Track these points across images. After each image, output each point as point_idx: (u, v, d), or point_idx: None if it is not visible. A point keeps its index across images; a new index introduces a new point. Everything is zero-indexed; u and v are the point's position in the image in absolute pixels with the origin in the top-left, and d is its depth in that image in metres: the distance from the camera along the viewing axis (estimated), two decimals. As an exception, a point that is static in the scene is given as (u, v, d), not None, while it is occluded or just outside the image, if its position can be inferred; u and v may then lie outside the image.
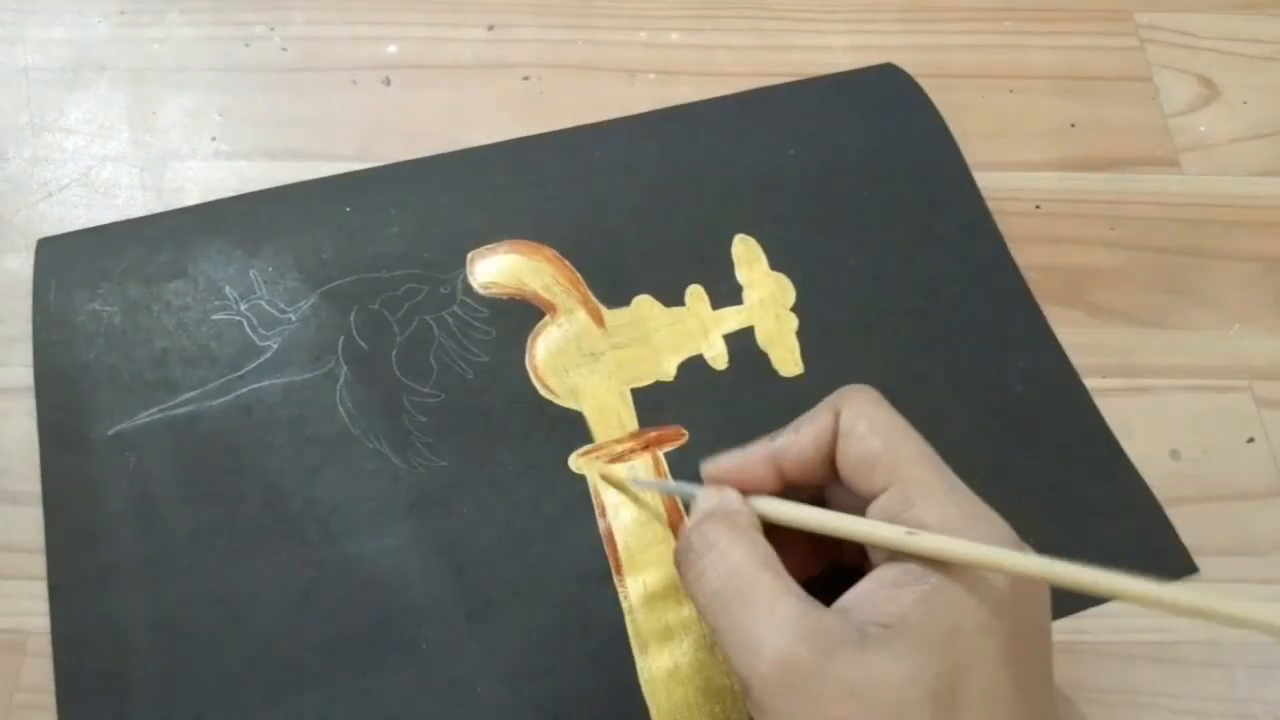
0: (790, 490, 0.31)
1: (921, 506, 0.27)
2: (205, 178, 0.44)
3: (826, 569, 0.32)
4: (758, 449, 0.31)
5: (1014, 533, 0.27)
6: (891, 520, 0.27)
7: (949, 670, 0.25)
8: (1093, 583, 0.24)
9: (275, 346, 0.39)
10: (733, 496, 0.30)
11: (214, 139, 0.45)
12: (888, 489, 0.28)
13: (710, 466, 0.31)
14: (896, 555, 0.27)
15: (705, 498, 0.31)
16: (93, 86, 0.47)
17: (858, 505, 0.29)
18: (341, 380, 0.38)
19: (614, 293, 0.41)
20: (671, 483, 0.36)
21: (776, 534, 0.29)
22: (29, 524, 0.36)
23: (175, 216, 0.42)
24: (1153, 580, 0.24)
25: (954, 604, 0.26)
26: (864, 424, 0.29)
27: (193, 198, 0.43)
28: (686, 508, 0.35)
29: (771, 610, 0.26)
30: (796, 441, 0.30)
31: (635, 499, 0.37)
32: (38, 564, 0.35)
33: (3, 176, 0.44)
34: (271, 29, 0.48)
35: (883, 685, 0.25)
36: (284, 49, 0.48)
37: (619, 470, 0.37)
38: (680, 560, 0.30)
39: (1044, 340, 0.41)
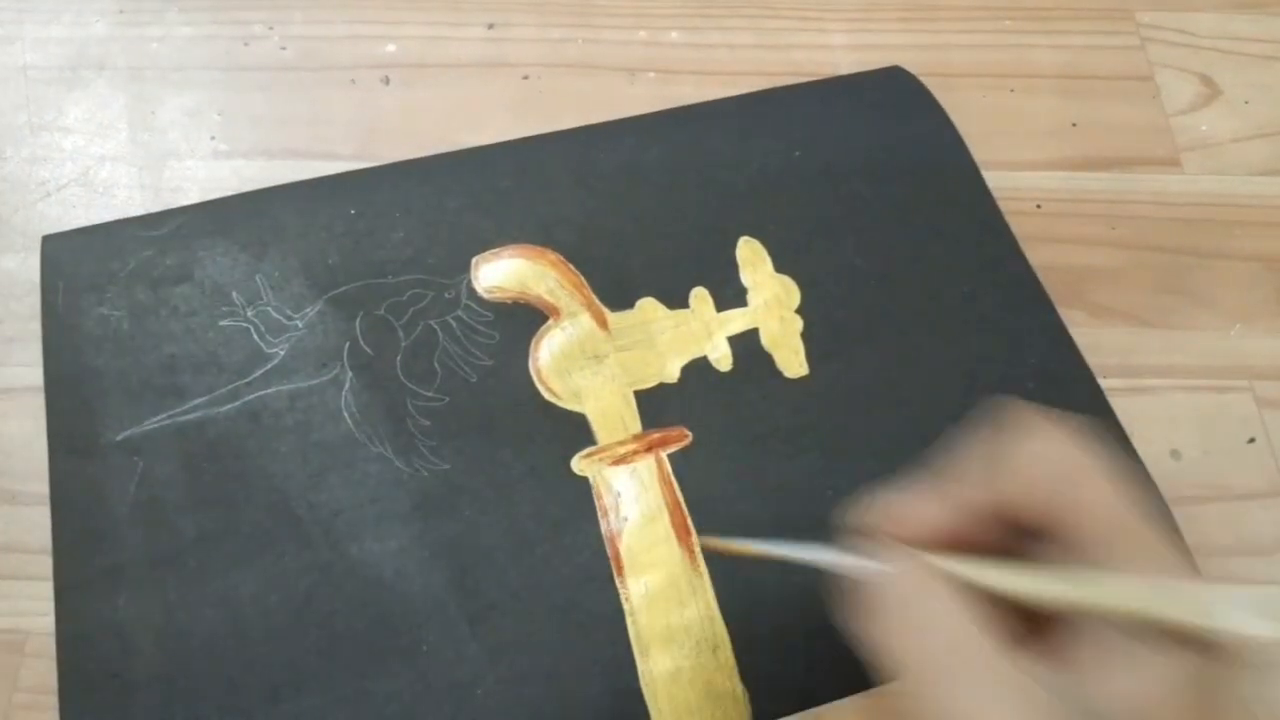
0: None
1: (1113, 545, 0.23)
2: (204, 177, 0.44)
3: None
4: (943, 488, 0.26)
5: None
6: (1069, 556, 0.23)
7: None
8: None
9: (282, 353, 0.39)
10: (926, 558, 0.25)
11: (213, 138, 0.45)
12: (1068, 524, 0.24)
13: (887, 509, 0.26)
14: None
15: (897, 561, 0.25)
16: (91, 86, 0.46)
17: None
18: (347, 385, 0.38)
19: (618, 295, 0.41)
20: (800, 546, 0.28)
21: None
22: (29, 524, 0.36)
23: (180, 214, 0.42)
24: None
25: (1215, 672, 0.22)
26: (1039, 448, 0.24)
27: (192, 197, 0.43)
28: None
29: (1000, 686, 0.22)
30: (969, 469, 0.25)
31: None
32: (38, 564, 0.35)
33: (1, 176, 0.44)
34: (271, 28, 0.48)
35: None
36: (283, 48, 0.48)
37: (727, 544, 0.34)
38: (874, 604, 0.24)
39: (1057, 337, 0.41)
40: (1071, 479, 0.24)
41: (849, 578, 0.26)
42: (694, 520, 0.37)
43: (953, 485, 0.25)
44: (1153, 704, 0.21)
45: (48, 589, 0.35)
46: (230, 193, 0.43)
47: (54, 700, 0.33)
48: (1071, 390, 0.40)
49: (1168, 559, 0.23)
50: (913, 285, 0.42)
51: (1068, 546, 0.23)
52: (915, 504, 0.26)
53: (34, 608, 0.35)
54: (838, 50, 0.49)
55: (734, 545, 0.32)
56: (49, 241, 0.41)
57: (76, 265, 0.40)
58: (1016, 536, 0.25)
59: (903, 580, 0.24)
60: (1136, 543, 0.23)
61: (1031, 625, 0.24)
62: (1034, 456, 0.24)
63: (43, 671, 0.34)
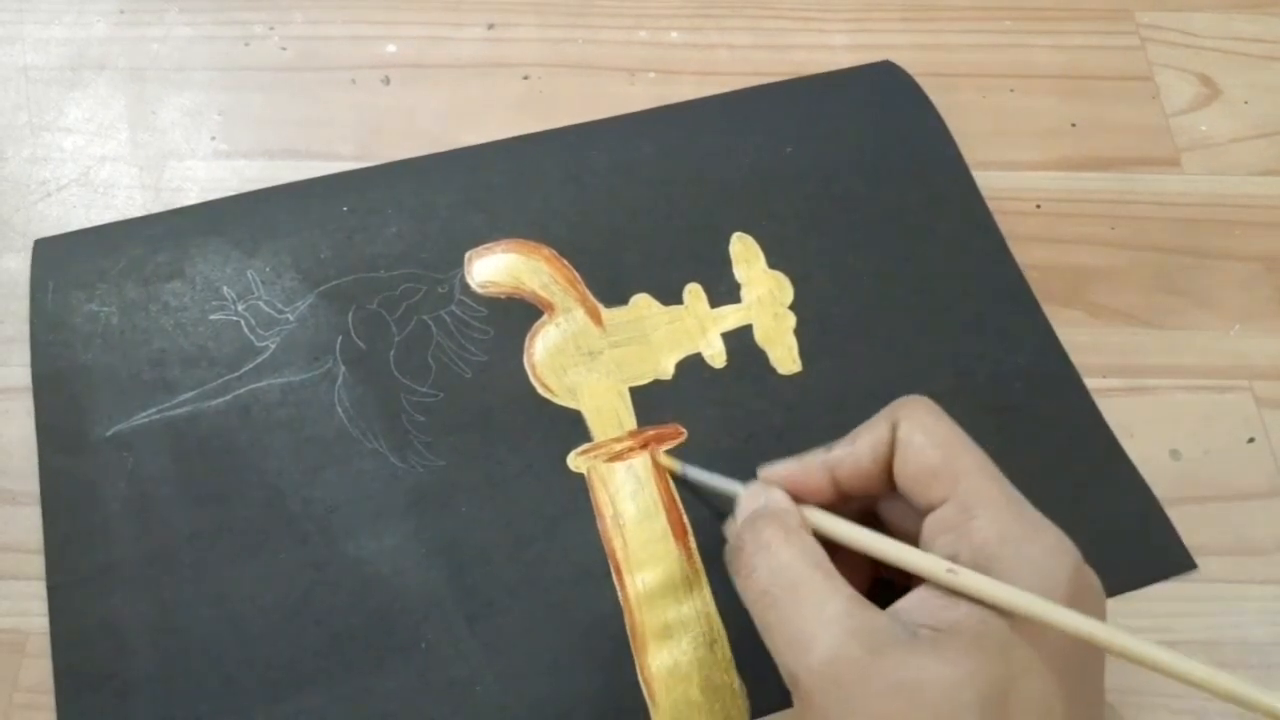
0: (843, 501, 0.31)
1: (981, 519, 0.27)
2: (204, 177, 0.44)
3: (873, 584, 0.31)
4: (813, 458, 0.31)
5: (1074, 546, 0.27)
6: (951, 531, 0.27)
7: (1000, 677, 0.25)
8: (1127, 649, 0.25)
9: (273, 347, 0.39)
10: (780, 496, 0.31)
11: (213, 138, 0.45)
12: (946, 501, 0.28)
13: (765, 471, 0.32)
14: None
15: (752, 496, 0.31)
16: (92, 86, 0.47)
17: (911, 517, 0.29)
18: (340, 380, 0.38)
19: (612, 291, 0.41)
20: (722, 478, 0.34)
21: (826, 546, 0.29)
22: (29, 524, 0.36)
23: (172, 217, 0.42)
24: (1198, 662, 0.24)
25: (1003, 645, 0.25)
26: (922, 435, 0.29)
27: (192, 197, 0.43)
28: (723, 512, 0.34)
29: (823, 607, 0.26)
30: (853, 453, 0.30)
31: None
32: (37, 564, 0.35)
33: (1, 176, 0.44)
34: (271, 28, 0.48)
35: (933, 686, 0.25)
36: (283, 48, 0.48)
37: (671, 460, 0.37)
38: (731, 556, 0.30)
39: (1044, 339, 0.41)
40: (952, 455, 0.28)
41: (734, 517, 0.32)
42: (690, 517, 0.37)
43: (839, 448, 0.31)
44: (967, 632, 0.25)
45: (47, 589, 0.35)
46: (230, 193, 0.43)
47: (54, 700, 0.33)
48: (1059, 390, 0.40)
49: (1021, 524, 0.27)
50: (904, 282, 0.42)
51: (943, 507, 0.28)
52: (803, 463, 0.31)
53: (34, 608, 0.35)
54: (838, 50, 0.49)
55: (673, 464, 0.37)
56: (40, 244, 0.41)
57: (67, 264, 0.40)
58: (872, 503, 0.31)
59: (747, 533, 0.29)
60: (990, 504, 0.27)
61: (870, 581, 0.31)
62: (914, 426, 0.29)
63: (43, 671, 0.34)
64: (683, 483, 0.37)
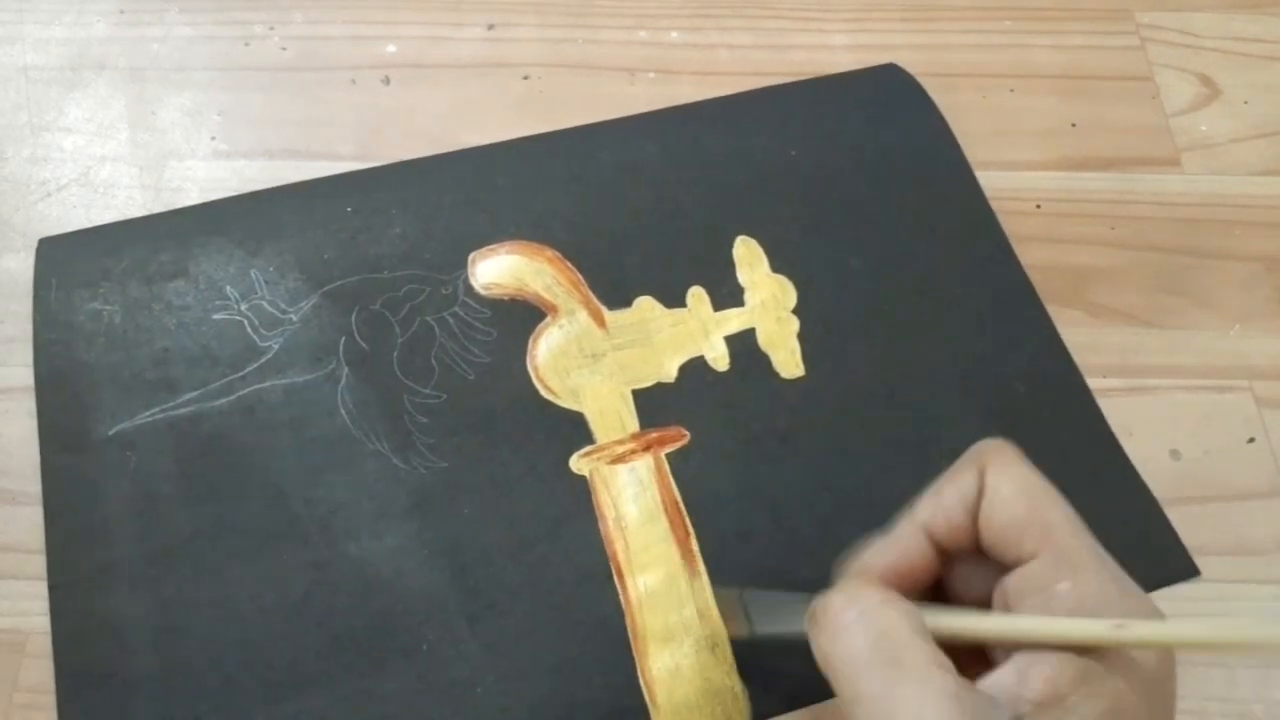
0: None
1: (1077, 579, 0.25)
2: (204, 177, 0.44)
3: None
4: (904, 528, 0.28)
5: (1152, 601, 0.26)
6: (1040, 592, 0.25)
7: None
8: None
9: (276, 347, 0.39)
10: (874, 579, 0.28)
11: (213, 138, 0.45)
12: (1036, 556, 0.26)
13: (855, 564, 0.29)
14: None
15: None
16: (92, 86, 0.46)
17: (980, 580, 0.28)
18: (343, 381, 0.38)
19: (615, 294, 0.41)
20: (792, 595, 0.30)
21: None
22: (29, 524, 0.36)
23: (176, 216, 0.42)
24: None
25: (1110, 683, 0.24)
26: (1009, 485, 0.27)
27: (192, 197, 0.43)
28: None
29: (927, 682, 0.24)
30: (942, 505, 0.28)
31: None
32: (38, 564, 0.35)
33: (2, 176, 0.44)
34: (271, 28, 0.48)
35: None
36: (283, 48, 0.48)
37: (724, 593, 0.35)
38: (816, 616, 0.27)
39: (1047, 340, 0.41)
40: (1041, 506, 0.26)
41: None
42: (692, 519, 0.37)
43: (926, 505, 0.28)
44: (1069, 699, 0.24)
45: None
46: (231, 193, 0.43)
47: (54, 700, 0.33)
48: (1061, 391, 0.40)
49: (1118, 585, 0.25)
50: (907, 286, 0.42)
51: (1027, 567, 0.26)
52: (895, 536, 0.28)
53: (35, 607, 0.35)
54: (838, 50, 0.49)
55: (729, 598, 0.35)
56: (45, 243, 0.41)
57: (71, 263, 0.40)
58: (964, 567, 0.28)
59: (839, 594, 0.27)
60: (1082, 561, 0.25)
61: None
62: (1001, 475, 0.27)
63: (43, 671, 0.34)
64: (685, 486, 0.37)
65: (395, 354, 0.39)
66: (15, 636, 0.35)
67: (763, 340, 0.40)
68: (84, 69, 0.47)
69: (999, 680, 0.25)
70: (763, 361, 0.40)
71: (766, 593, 0.34)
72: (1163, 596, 0.36)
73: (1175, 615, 0.25)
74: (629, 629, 0.35)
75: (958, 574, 0.29)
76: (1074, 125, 0.48)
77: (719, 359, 0.40)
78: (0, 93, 0.46)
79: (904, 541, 0.28)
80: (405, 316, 0.40)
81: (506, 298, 0.40)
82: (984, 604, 0.27)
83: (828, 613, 0.26)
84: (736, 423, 0.38)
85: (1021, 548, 0.26)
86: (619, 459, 0.37)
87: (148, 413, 0.37)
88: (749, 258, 0.42)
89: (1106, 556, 0.26)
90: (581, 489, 0.37)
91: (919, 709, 0.23)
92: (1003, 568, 0.27)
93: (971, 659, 0.26)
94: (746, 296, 0.41)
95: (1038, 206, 0.45)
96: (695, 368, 0.40)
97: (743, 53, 0.49)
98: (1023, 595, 0.26)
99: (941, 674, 0.24)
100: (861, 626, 0.25)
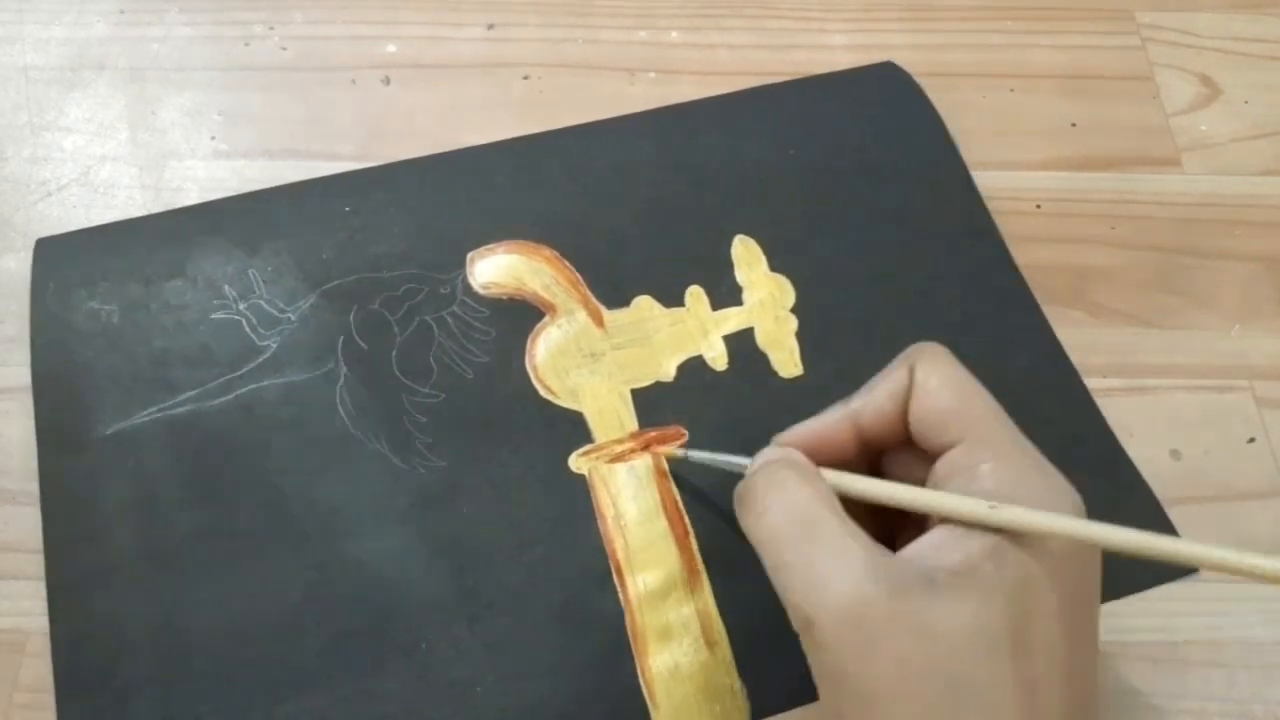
0: (858, 459, 0.31)
1: (994, 462, 0.27)
2: (204, 177, 0.44)
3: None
4: (833, 413, 0.31)
5: (1077, 493, 0.28)
6: (962, 474, 0.28)
7: (1017, 617, 0.25)
8: (1196, 556, 0.25)
9: (275, 346, 0.39)
10: (795, 454, 0.30)
11: (213, 138, 0.45)
12: (958, 444, 0.28)
13: (783, 435, 0.31)
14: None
15: (766, 454, 0.31)
16: (92, 86, 0.46)
17: (917, 467, 0.29)
18: (341, 381, 0.38)
19: (614, 293, 0.41)
20: (729, 456, 0.34)
21: None
22: (29, 524, 0.36)
23: (174, 216, 0.42)
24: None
25: (1022, 557, 0.26)
26: (937, 378, 0.29)
27: (192, 197, 0.43)
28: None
29: (840, 548, 0.26)
30: (873, 399, 0.30)
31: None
32: (37, 564, 0.35)
33: (1, 176, 0.44)
34: (271, 28, 0.48)
35: (953, 627, 0.25)
36: (283, 48, 0.48)
37: (672, 449, 0.37)
38: (741, 498, 0.30)
39: (1044, 340, 0.41)
40: (967, 397, 0.29)
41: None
42: (691, 519, 0.37)
43: (859, 397, 0.31)
44: (986, 575, 0.26)
45: (48, 589, 0.35)
46: (231, 193, 0.43)
47: (54, 700, 0.33)
48: (1059, 391, 0.40)
49: (1039, 470, 0.28)
50: (905, 285, 0.42)
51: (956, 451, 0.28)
52: (823, 419, 0.31)
53: (35, 608, 0.35)
54: (838, 50, 0.49)
55: (675, 452, 0.37)
56: (42, 243, 0.41)
57: (69, 263, 0.40)
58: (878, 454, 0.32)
59: (760, 477, 0.29)
60: (1002, 448, 0.28)
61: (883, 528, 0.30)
62: (930, 370, 0.30)
63: (43, 671, 0.34)
64: (684, 485, 0.37)
65: (394, 353, 0.39)
66: (15, 636, 0.35)
67: (761, 339, 0.40)
68: (84, 69, 0.47)
69: (917, 549, 0.27)
70: (761, 361, 0.40)
71: (708, 454, 0.35)
72: (1162, 595, 0.36)
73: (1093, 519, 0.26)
74: (628, 628, 0.35)
75: (894, 465, 0.31)
76: (1074, 125, 0.48)
77: (717, 358, 0.40)
78: (0, 93, 0.46)
79: (829, 422, 0.31)
80: (404, 316, 0.40)
81: (505, 297, 0.40)
82: None
83: (752, 493, 0.29)
84: (735, 422, 0.38)
85: (947, 434, 0.28)
86: (618, 458, 0.38)
87: (146, 412, 0.37)
88: (747, 257, 0.42)
89: (1030, 445, 0.28)
90: (580, 488, 0.37)
91: (833, 572, 0.26)
92: (933, 458, 0.29)
93: (908, 538, 0.28)
94: (745, 296, 0.41)
95: (1038, 206, 0.45)
96: (694, 367, 0.40)
97: (743, 53, 0.49)
98: (949, 478, 0.28)
99: (853, 542, 0.26)
100: (780, 503, 0.28)
